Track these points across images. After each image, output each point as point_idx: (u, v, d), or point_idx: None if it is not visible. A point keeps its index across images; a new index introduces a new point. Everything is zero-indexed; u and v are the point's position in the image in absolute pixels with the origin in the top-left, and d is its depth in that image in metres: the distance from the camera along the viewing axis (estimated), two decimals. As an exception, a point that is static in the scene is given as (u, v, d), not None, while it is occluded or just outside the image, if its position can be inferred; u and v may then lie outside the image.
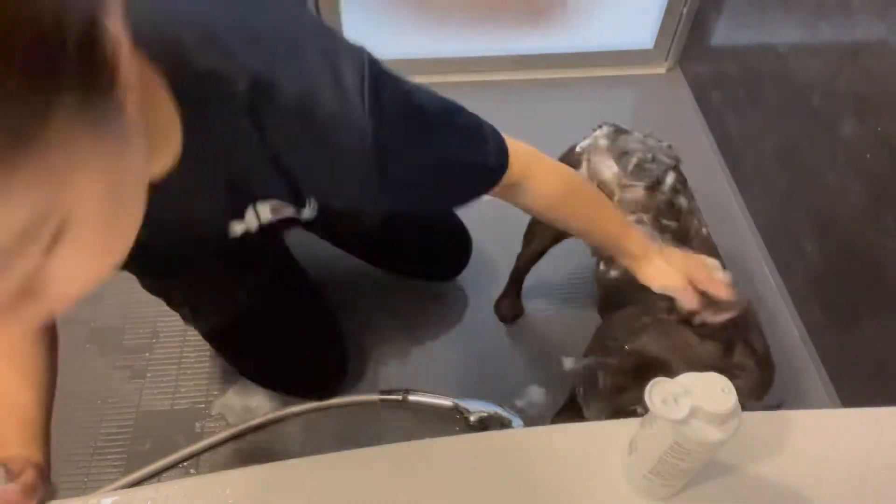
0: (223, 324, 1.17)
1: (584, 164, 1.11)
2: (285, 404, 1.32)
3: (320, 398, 1.34)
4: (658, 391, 0.54)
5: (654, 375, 0.85)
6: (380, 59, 0.60)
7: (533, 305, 1.49)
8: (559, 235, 1.23)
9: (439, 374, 1.38)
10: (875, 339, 1.23)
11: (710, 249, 1.03)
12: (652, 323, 0.92)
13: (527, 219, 1.30)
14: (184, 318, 1.20)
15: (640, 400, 0.85)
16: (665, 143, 1.12)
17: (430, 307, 1.49)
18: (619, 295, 1.02)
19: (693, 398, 0.53)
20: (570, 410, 1.27)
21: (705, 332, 0.86)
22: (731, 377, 0.83)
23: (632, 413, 0.85)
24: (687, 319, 0.87)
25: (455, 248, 1.44)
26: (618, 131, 1.14)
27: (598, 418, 0.91)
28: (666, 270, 0.90)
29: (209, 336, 1.24)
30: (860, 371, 1.28)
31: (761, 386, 0.88)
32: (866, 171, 1.21)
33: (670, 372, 0.84)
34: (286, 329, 1.23)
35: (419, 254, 1.41)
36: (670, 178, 1.06)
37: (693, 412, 0.53)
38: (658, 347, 0.88)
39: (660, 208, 1.03)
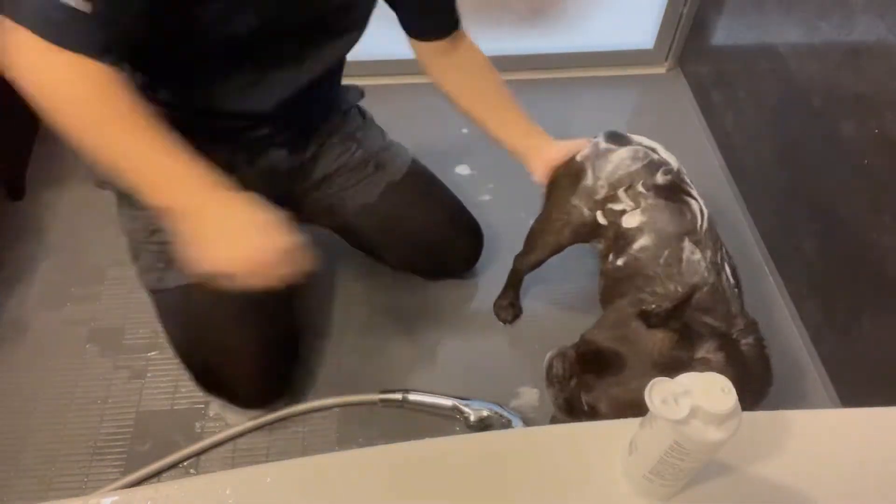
0: (186, 291, 1.11)
1: (589, 172, 1.12)
2: (285, 404, 1.32)
3: (257, 408, 1.28)
4: (658, 391, 0.54)
5: (601, 365, 0.86)
6: None
7: (533, 306, 1.49)
8: (557, 249, 1.23)
9: (439, 374, 1.38)
10: (875, 339, 1.23)
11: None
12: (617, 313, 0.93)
13: (529, 221, 1.30)
14: (150, 273, 1.14)
15: (587, 387, 0.87)
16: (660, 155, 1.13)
17: (431, 307, 1.48)
18: (619, 286, 1.03)
19: (693, 398, 0.53)
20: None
21: (655, 321, 0.85)
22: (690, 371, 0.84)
23: (579, 401, 0.88)
24: (644, 311, 0.87)
25: (467, 240, 1.44)
26: (614, 137, 1.15)
27: (555, 404, 0.93)
28: (562, 145, 1.17)
29: (166, 310, 1.18)
30: (860, 371, 1.28)
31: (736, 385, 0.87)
32: (866, 171, 1.21)
33: (618, 361, 0.85)
34: (242, 316, 1.15)
35: (432, 248, 1.40)
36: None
37: (693, 412, 0.53)
38: (605, 337, 0.89)
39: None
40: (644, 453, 0.60)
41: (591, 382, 0.87)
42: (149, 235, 1.14)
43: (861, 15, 1.20)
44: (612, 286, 1.05)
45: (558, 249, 1.23)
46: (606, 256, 1.10)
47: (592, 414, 0.87)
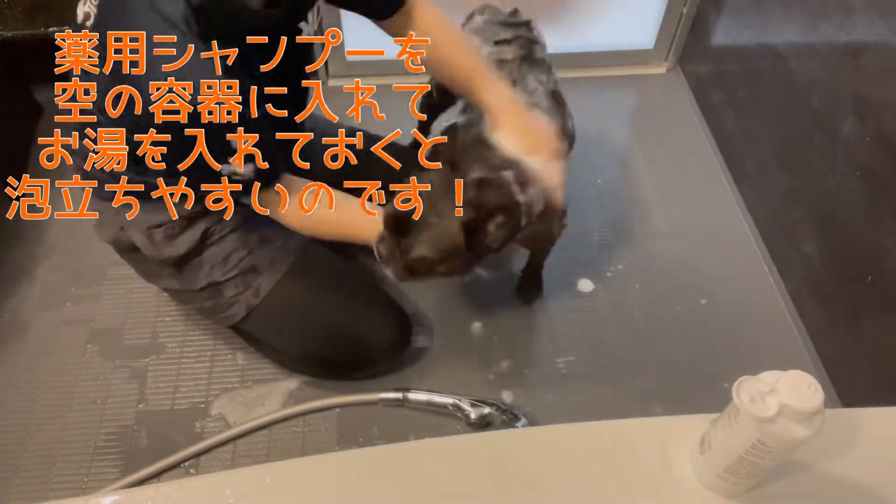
0: (279, 289, 1.16)
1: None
2: (285, 404, 1.32)
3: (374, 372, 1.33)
4: (745, 389, 0.54)
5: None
6: None
7: (532, 306, 1.49)
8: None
9: (439, 373, 1.38)
10: (875, 339, 1.23)
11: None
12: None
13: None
14: (241, 297, 1.17)
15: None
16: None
17: (430, 307, 1.48)
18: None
19: (780, 396, 0.53)
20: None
21: None
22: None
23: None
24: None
25: None
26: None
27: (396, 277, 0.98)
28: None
29: (270, 319, 1.22)
30: (860, 371, 1.28)
31: None
32: (866, 171, 1.21)
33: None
34: (340, 283, 1.23)
35: None
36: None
37: (780, 410, 0.53)
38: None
39: None
40: (720, 452, 0.59)
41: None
42: (224, 264, 1.15)
43: (861, 15, 1.20)
44: None
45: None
46: None
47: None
